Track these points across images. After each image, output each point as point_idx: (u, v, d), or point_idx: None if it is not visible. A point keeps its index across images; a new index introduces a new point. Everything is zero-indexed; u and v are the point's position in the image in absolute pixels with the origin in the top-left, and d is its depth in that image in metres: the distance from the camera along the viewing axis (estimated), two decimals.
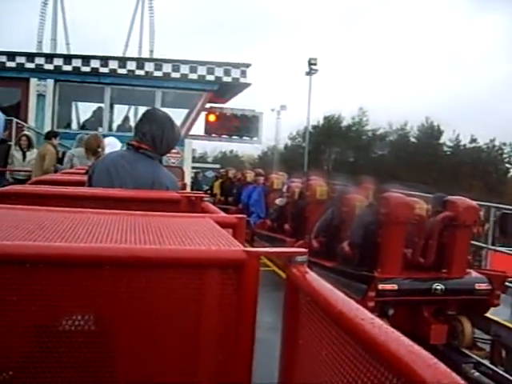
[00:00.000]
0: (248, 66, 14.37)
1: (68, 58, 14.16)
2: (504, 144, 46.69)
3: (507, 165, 47.83)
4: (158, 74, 13.88)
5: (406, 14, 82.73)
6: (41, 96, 13.48)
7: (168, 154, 3.81)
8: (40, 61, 13.73)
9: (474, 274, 6.55)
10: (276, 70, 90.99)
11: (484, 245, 9.26)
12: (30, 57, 13.79)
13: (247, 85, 14.62)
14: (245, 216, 2.03)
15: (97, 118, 14.26)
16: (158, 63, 14.14)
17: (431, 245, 6.36)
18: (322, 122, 49.00)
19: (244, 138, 15.99)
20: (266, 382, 1.55)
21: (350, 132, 49.08)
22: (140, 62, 14.47)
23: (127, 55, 21.55)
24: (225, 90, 14.70)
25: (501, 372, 5.74)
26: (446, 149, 48.01)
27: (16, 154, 9.98)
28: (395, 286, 5.99)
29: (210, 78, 14.02)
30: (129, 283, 1.17)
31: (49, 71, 13.55)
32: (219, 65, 14.15)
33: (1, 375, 1.13)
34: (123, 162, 3.03)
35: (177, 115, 13.08)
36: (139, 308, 1.18)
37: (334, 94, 76.52)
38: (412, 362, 0.77)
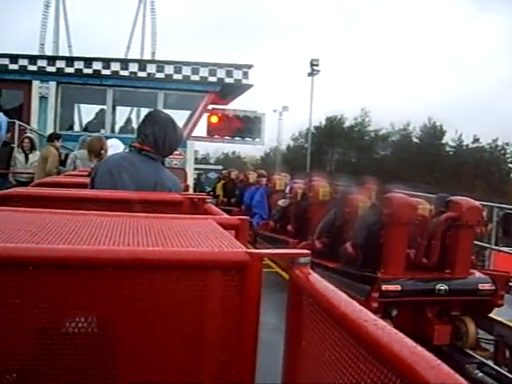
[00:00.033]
0: (250, 67, 14.38)
1: (70, 61, 14.17)
2: (507, 144, 46.61)
3: (510, 165, 47.73)
4: (160, 75, 13.89)
5: (407, 14, 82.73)
6: (43, 98, 13.50)
7: (170, 156, 3.81)
8: (42, 63, 13.75)
9: (478, 274, 6.53)
10: (278, 71, 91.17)
11: (487, 245, 9.25)
12: (33, 59, 13.80)
13: (249, 86, 14.62)
14: (247, 217, 2.03)
15: (99, 120, 14.27)
16: (160, 65, 14.15)
17: (434, 245, 6.34)
18: (324, 122, 49.03)
19: (246, 139, 15.97)
20: (270, 383, 1.54)
21: (353, 133, 49.03)
22: (142, 63, 14.48)
23: (129, 57, 21.61)
24: (227, 91, 14.70)
25: (504, 372, 5.73)
26: (448, 149, 47.94)
27: (19, 156, 10.00)
28: (398, 287, 5.98)
29: (212, 79, 14.03)
30: (131, 285, 1.17)
31: (51, 73, 13.56)
32: (221, 66, 14.16)
33: (4, 377, 1.13)
34: (126, 163, 3.03)
35: (179, 117, 13.08)
36: (142, 310, 1.18)
37: (336, 95, 76.69)
38: (415, 363, 0.77)
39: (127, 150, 3.39)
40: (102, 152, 6.60)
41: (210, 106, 15.01)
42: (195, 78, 13.96)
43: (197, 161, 20.99)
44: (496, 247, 9.16)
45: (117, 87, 13.91)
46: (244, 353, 1.24)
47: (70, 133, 13.01)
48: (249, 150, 40.79)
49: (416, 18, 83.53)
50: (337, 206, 8.10)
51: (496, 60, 75.88)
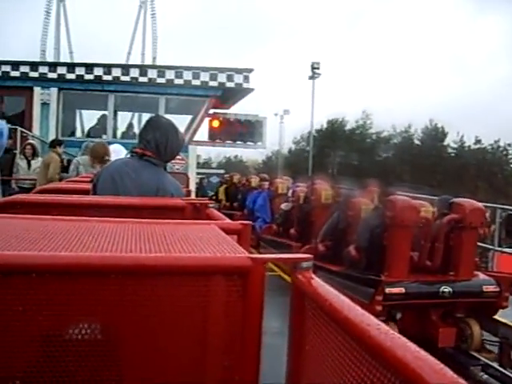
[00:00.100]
0: (251, 71, 14.39)
1: (71, 67, 14.21)
2: (509, 145, 46.44)
3: None
4: (161, 80, 13.91)
5: (408, 16, 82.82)
6: (45, 104, 13.54)
7: (172, 161, 3.82)
8: (44, 69, 13.79)
9: (482, 276, 6.52)
10: (279, 75, 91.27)
11: (490, 246, 9.23)
12: (34, 66, 13.84)
13: (250, 90, 14.64)
14: (250, 222, 2.03)
15: (101, 126, 14.30)
16: (161, 70, 14.18)
17: (438, 247, 6.33)
18: (325, 125, 48.96)
19: (248, 143, 16.00)
20: None
21: (354, 135, 48.99)
22: (143, 68, 14.51)
23: (130, 62, 21.63)
24: (228, 95, 14.72)
25: (510, 374, 5.71)
26: (450, 150, 47.87)
27: (21, 162, 10.03)
28: (402, 290, 5.96)
29: (213, 83, 14.05)
30: (134, 291, 1.17)
31: (52, 80, 13.60)
32: (222, 70, 14.17)
33: None
34: (128, 169, 3.04)
35: (180, 121, 13.13)
36: (145, 316, 1.18)
37: (338, 98, 76.60)
38: (419, 367, 0.77)
39: (129, 156, 3.40)
40: (106, 158, 6.60)
41: (212, 111, 15.04)
42: (196, 82, 13.99)
43: (199, 165, 21.01)
44: (499, 248, 9.15)
45: (118, 93, 13.94)
46: (247, 357, 1.24)
47: (71, 139, 13.04)
48: (251, 153, 40.80)
49: (417, 20, 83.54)
50: (339, 209, 8.10)
51: (497, 61, 75.87)
